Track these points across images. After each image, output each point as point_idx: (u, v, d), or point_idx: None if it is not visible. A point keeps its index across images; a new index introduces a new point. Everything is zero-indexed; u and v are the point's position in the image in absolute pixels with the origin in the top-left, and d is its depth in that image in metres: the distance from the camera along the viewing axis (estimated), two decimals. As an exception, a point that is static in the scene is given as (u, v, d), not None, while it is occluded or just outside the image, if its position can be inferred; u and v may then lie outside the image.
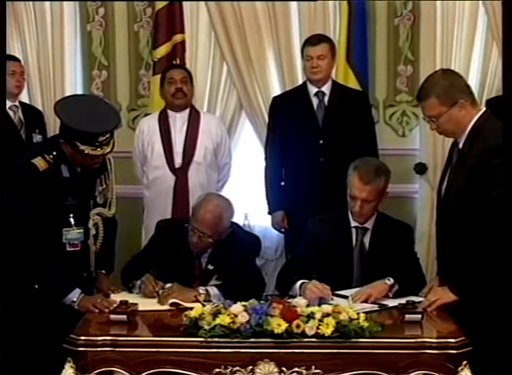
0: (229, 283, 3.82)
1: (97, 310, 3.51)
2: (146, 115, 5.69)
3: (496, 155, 3.37)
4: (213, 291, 3.75)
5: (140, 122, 5.54)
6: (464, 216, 3.52)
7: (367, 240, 3.94)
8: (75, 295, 3.62)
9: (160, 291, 3.73)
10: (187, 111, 5.33)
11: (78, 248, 3.80)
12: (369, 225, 3.95)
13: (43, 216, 3.66)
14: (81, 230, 3.79)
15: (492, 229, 3.38)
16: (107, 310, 3.45)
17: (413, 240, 4.13)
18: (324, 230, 3.99)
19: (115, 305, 3.42)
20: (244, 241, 4.08)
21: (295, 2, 5.69)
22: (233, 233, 4.02)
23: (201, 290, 3.73)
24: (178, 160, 5.27)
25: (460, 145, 3.58)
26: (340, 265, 3.90)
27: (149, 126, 5.35)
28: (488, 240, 3.40)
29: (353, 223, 3.95)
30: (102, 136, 3.63)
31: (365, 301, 3.55)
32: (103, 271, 3.99)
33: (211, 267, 3.96)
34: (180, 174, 5.25)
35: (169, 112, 5.32)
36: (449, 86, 3.52)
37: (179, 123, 5.31)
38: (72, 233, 3.77)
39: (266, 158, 5.29)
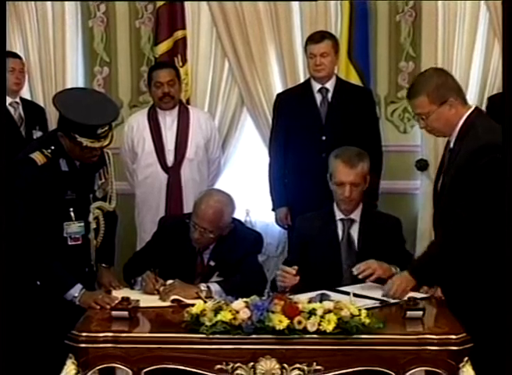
0: (230, 279, 3.82)
1: (98, 306, 3.51)
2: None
3: (482, 156, 3.37)
4: (214, 287, 3.74)
5: (129, 118, 5.54)
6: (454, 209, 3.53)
7: (354, 232, 3.96)
8: (76, 291, 3.62)
9: (161, 288, 3.73)
10: (176, 108, 5.33)
11: (79, 242, 3.79)
12: (356, 216, 3.98)
13: (43, 211, 3.65)
14: (82, 224, 3.79)
15: (477, 203, 3.40)
16: (108, 306, 3.45)
17: (402, 232, 4.11)
18: (310, 227, 4.03)
19: (116, 302, 3.43)
20: (246, 237, 4.08)
21: (297, -1, 5.69)
22: (235, 230, 4.02)
23: (203, 286, 3.74)
24: (170, 158, 5.27)
25: (452, 144, 3.59)
26: (328, 259, 3.90)
27: (138, 123, 5.36)
28: (472, 213, 3.42)
29: (338, 216, 3.98)
30: (101, 128, 3.62)
31: (366, 297, 3.55)
32: (103, 264, 3.99)
33: (212, 263, 3.96)
34: (173, 172, 5.26)
35: (158, 109, 5.33)
36: (439, 84, 3.52)
37: (168, 120, 5.32)
38: (73, 227, 3.76)
39: (270, 155, 5.30)
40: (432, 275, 3.55)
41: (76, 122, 3.60)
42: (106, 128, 3.66)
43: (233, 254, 3.93)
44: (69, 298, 3.62)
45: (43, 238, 3.65)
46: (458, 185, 3.46)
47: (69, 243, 3.77)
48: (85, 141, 3.62)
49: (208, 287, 3.73)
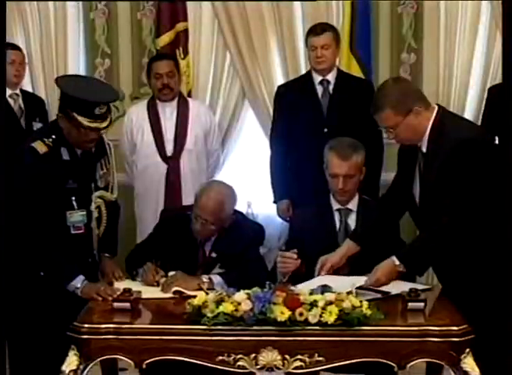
0: (232, 271, 3.83)
1: (100, 298, 3.51)
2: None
3: (469, 147, 3.40)
4: (216, 279, 3.75)
5: (128, 110, 5.54)
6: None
7: (352, 221, 3.96)
8: (78, 282, 3.62)
9: (162, 280, 3.74)
10: (176, 99, 5.35)
11: (82, 231, 3.79)
12: (352, 206, 3.98)
13: (45, 200, 3.65)
14: (84, 213, 3.79)
15: (461, 210, 3.43)
16: (110, 298, 3.45)
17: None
18: (307, 219, 4.02)
19: (118, 293, 3.43)
20: (248, 229, 4.09)
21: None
22: (237, 222, 4.02)
23: (204, 278, 3.74)
24: (169, 148, 5.30)
25: (424, 149, 3.56)
26: (326, 249, 3.87)
27: (138, 114, 5.38)
28: (454, 219, 3.45)
29: (335, 206, 3.98)
30: (99, 108, 3.62)
31: (368, 289, 3.55)
32: (106, 254, 3.99)
33: (214, 255, 3.97)
34: (172, 162, 5.28)
35: (158, 101, 5.34)
36: (401, 95, 3.49)
37: (168, 111, 5.34)
38: (76, 216, 3.76)
39: (271, 147, 5.30)
40: (421, 263, 3.56)
41: (75, 97, 3.60)
42: (105, 108, 3.65)
43: (235, 246, 3.93)
44: (71, 289, 3.63)
45: (46, 228, 3.65)
46: (444, 184, 3.46)
47: (72, 232, 3.77)
48: (83, 121, 3.61)
49: (209, 278, 3.74)
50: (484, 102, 5.47)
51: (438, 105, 3.65)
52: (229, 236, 3.97)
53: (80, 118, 3.61)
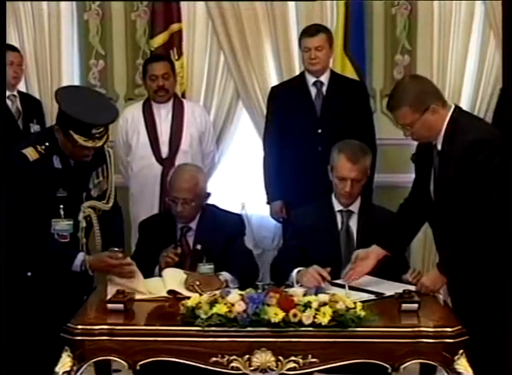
0: (231, 267, 3.86)
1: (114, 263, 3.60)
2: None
3: (487, 146, 3.40)
4: (229, 276, 3.80)
5: (123, 111, 5.52)
6: (459, 207, 3.53)
7: (353, 223, 3.97)
8: (80, 259, 3.65)
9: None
10: (171, 101, 5.35)
11: (67, 240, 3.77)
12: (354, 208, 3.98)
13: (32, 206, 3.65)
14: (70, 222, 3.77)
15: (487, 218, 3.42)
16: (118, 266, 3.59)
17: None
18: (308, 221, 4.01)
19: (124, 262, 3.56)
20: (227, 219, 4.18)
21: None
22: (214, 213, 4.14)
23: (221, 277, 3.78)
24: (164, 150, 5.29)
25: (439, 146, 3.58)
26: (328, 250, 3.90)
27: (133, 115, 5.37)
28: (482, 229, 3.44)
29: (337, 207, 3.99)
30: (96, 129, 3.62)
31: (362, 290, 3.56)
32: (115, 248, 3.96)
33: (199, 247, 4.03)
34: (167, 164, 5.26)
35: (153, 102, 5.34)
36: (419, 92, 3.50)
37: (163, 112, 5.33)
38: (61, 224, 3.75)
39: (265, 148, 5.30)
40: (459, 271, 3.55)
41: (73, 118, 3.59)
42: (101, 129, 3.65)
43: (217, 236, 4.02)
44: (78, 269, 3.65)
45: (36, 228, 3.66)
46: (464, 177, 3.47)
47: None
48: (78, 139, 3.61)
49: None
50: (478, 103, 5.52)
51: (456, 105, 3.67)
52: (209, 226, 4.07)
53: (75, 136, 3.61)
